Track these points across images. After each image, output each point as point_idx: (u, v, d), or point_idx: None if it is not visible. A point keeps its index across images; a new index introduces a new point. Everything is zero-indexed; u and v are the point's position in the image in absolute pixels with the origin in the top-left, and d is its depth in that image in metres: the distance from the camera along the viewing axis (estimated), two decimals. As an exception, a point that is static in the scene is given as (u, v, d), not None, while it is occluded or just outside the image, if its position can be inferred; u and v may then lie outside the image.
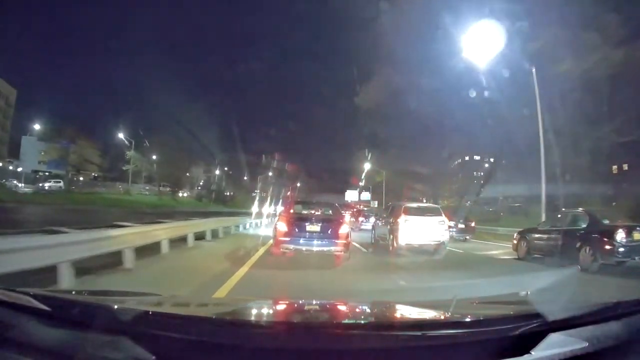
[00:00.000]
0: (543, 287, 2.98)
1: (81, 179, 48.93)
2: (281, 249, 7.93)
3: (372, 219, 21.30)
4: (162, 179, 51.70)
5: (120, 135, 45.65)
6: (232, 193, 68.27)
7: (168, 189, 53.23)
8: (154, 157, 49.42)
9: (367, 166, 51.70)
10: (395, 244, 10.39)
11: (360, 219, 23.68)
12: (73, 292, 1.89)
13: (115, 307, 1.28)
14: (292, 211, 9.11)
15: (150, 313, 1.25)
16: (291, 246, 7.82)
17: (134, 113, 62.29)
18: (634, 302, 1.40)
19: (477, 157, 58.15)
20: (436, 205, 12.69)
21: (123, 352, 1.06)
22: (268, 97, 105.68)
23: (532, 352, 1.14)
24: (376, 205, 50.36)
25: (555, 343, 1.18)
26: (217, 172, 68.63)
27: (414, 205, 11.85)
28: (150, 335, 1.10)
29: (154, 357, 1.04)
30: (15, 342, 1.12)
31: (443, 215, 10.93)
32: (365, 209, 34.62)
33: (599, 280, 6.67)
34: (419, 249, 10.46)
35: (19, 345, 1.11)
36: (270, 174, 63.41)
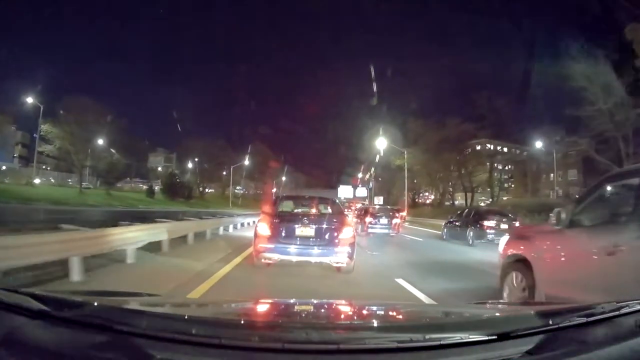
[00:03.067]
0: None
1: (3, 168, 41.30)
2: (262, 260, 6.28)
3: (385, 220, 17.30)
4: (99, 168, 41.50)
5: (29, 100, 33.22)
6: (203, 188, 58.58)
7: (99, 179, 43.36)
8: (100, 141, 38.81)
9: (380, 144, 38.92)
10: None
11: (368, 219, 17.64)
12: (73, 292, 1.83)
13: (116, 307, 1.31)
14: (278, 209, 7.14)
15: (151, 313, 1.27)
16: (275, 255, 6.20)
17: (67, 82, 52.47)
18: (634, 302, 1.38)
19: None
20: None
21: (123, 352, 1.07)
22: (246, 70, 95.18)
23: (532, 353, 1.15)
24: (381, 202, 42.68)
25: (556, 343, 1.19)
26: (186, 163, 58.44)
27: None
28: (151, 335, 1.11)
29: (155, 357, 1.05)
30: (15, 342, 1.11)
31: None
32: (377, 206, 27.78)
33: None
34: None
35: (19, 346, 1.10)
36: (247, 162, 54.75)
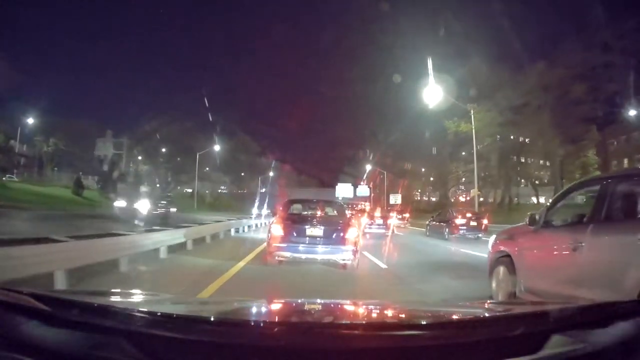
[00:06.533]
0: None
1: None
2: (276, 258, 6.99)
3: (380, 220, 17.34)
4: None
5: None
6: (169, 184, 47.91)
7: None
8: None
9: (430, 96, 22.57)
10: None
11: (364, 220, 17.54)
12: (73, 292, 1.84)
13: (116, 307, 1.30)
14: (290, 212, 8.08)
15: (151, 313, 1.26)
16: (288, 254, 6.89)
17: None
18: (634, 302, 1.49)
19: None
20: None
21: (123, 353, 1.07)
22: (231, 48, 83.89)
23: (532, 353, 1.15)
24: (398, 201, 37.17)
25: (557, 344, 1.20)
26: (154, 153, 46.83)
27: None
28: (152, 335, 1.11)
29: (155, 357, 1.06)
30: (15, 342, 1.11)
31: None
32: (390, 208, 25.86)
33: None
34: None
35: (19, 345, 1.09)
36: (217, 148, 44.10)
